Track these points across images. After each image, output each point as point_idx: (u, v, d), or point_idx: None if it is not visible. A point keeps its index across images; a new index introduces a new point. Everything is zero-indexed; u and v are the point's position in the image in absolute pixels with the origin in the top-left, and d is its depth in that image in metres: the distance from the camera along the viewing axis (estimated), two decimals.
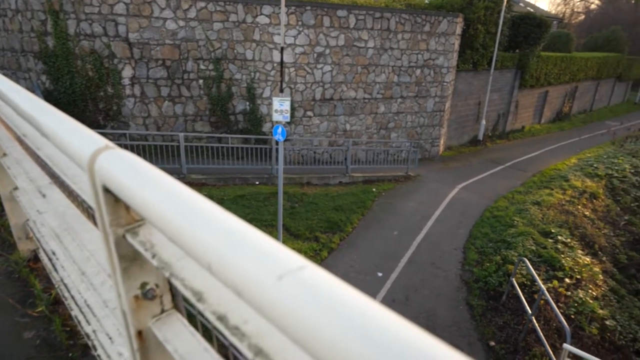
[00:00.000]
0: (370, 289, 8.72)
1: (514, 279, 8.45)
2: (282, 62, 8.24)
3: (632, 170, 18.04)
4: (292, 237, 10.33)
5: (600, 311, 8.66)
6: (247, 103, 14.21)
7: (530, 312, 7.46)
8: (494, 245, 10.56)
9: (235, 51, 13.52)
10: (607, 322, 8.50)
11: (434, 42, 16.47)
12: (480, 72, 19.90)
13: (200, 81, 13.45)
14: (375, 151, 16.08)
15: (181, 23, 12.58)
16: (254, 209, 11.12)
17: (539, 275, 8.93)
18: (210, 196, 11.27)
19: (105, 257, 0.91)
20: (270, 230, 10.30)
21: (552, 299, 8.08)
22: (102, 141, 0.88)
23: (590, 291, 9.29)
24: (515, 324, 8.05)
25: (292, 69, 14.23)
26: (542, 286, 7.39)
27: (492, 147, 21.08)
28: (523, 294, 8.16)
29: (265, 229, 10.29)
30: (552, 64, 24.40)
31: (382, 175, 15.16)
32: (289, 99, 7.68)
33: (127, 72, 12.47)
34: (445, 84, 17.45)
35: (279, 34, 13.51)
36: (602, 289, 9.78)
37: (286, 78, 14.36)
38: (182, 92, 13.34)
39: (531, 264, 8.80)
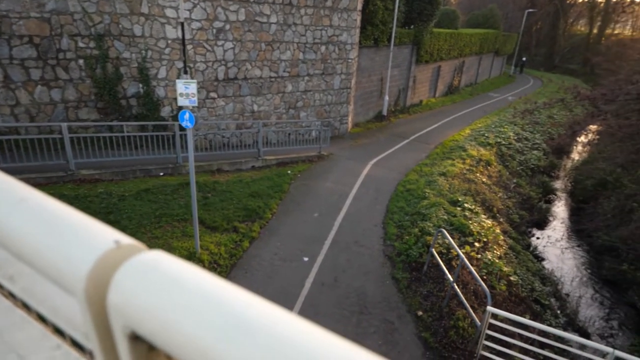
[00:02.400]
0: (297, 275, 8.37)
1: (433, 249, 8.70)
2: (183, 40, 7.26)
3: (515, 138, 20.01)
4: (209, 230, 9.51)
5: (506, 269, 9.35)
6: (140, 85, 12.68)
7: (451, 279, 7.71)
8: (410, 218, 10.84)
9: (120, 26, 11.87)
10: (512, 278, 9.21)
11: (336, 18, 16.24)
12: (381, 48, 20.28)
13: (81, 61, 11.63)
14: (286, 132, 15.59)
15: None
16: (161, 203, 10.02)
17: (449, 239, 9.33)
18: (109, 193, 9.90)
19: None
20: (184, 225, 9.36)
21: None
22: (112, 235, 0.47)
23: (495, 252, 9.98)
24: (438, 291, 8.31)
25: (189, 47, 12.97)
26: (461, 254, 7.66)
27: (395, 121, 21.82)
28: (442, 262, 8.45)
29: (178, 224, 9.34)
30: (443, 40, 25.84)
31: (296, 157, 14.77)
32: (195, 81, 6.80)
33: None
34: (350, 60, 17.43)
35: (171, 7, 12.14)
36: (503, 248, 10.60)
37: (184, 56, 13.05)
38: (58, 74, 11.42)
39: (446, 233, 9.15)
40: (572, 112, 27.49)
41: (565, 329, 9.33)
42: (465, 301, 7.31)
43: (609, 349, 5.61)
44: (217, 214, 10.19)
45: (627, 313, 10.63)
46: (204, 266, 8.23)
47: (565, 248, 13.73)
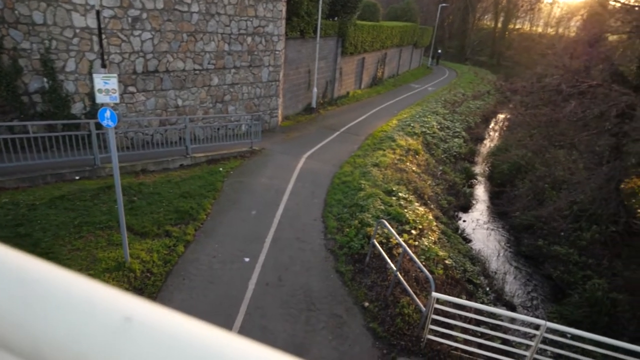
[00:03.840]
0: (240, 277, 8.02)
1: (374, 240, 8.80)
2: (100, 30, 6.45)
3: (439, 127, 21.04)
4: (138, 236, 8.78)
5: (441, 253, 9.75)
6: (45, 79, 11.33)
7: (394, 268, 7.84)
8: (349, 210, 10.89)
9: (16, 12, 10.46)
10: (447, 262, 9.64)
11: (262, 8, 15.79)
12: (308, 40, 20.16)
13: None
14: (214, 127, 14.90)
15: None
16: (81, 210, 9.04)
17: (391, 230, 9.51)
18: (15, 203, 8.73)
19: None
20: (109, 233, 8.54)
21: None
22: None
23: (430, 237, 10.37)
24: (382, 280, 8.43)
25: (102, 37, 11.80)
26: (404, 244, 7.81)
27: (325, 114, 21.89)
28: (384, 252, 8.56)
29: (102, 233, 8.49)
30: (366, 32, 26.35)
31: (227, 153, 14.19)
32: (115, 75, 6.11)
33: None
34: (277, 52, 17.08)
35: None
36: (437, 233, 11.06)
37: (95, 47, 11.89)
38: None
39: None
40: (485, 101, 29.59)
41: (495, 305, 9.97)
42: (409, 288, 7.47)
43: (542, 322, 6.01)
44: (146, 219, 9.44)
45: (544, 284, 11.67)
46: (135, 277, 7.58)
47: (489, 229, 14.74)
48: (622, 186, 11.22)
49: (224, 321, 6.88)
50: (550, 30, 67.28)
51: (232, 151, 14.38)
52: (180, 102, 14.30)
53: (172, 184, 11.34)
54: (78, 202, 9.38)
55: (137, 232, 8.91)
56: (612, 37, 14.57)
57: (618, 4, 11.54)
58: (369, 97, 27.46)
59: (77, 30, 11.29)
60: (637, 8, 10.27)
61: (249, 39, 15.82)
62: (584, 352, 6.68)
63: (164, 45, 13.24)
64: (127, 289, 7.25)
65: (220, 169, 13.02)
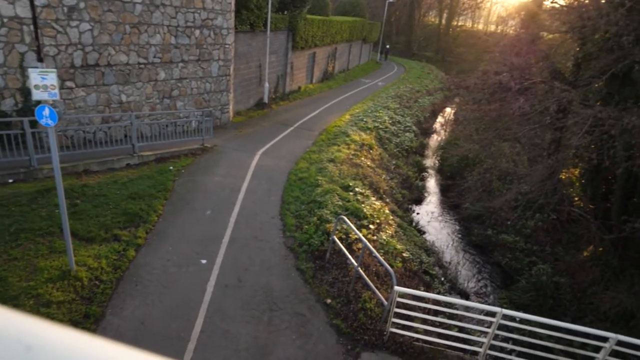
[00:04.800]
0: (197, 280, 7.73)
1: (334, 236, 8.78)
2: (34, 20, 5.88)
3: (390, 122, 21.43)
4: (84, 241, 8.21)
5: (399, 246, 9.94)
6: None
7: (355, 264, 7.88)
8: (307, 207, 10.81)
9: None
10: (405, 255, 9.84)
11: (210, 0, 15.24)
12: (258, 34, 19.76)
13: None
14: (162, 124, 14.23)
15: None
16: (17, 216, 8.31)
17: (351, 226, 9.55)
18: None
19: None
20: (50, 239, 7.93)
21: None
22: None
23: (388, 231, 10.54)
24: (343, 276, 8.44)
25: (37, 27, 10.87)
26: (364, 239, 7.86)
27: (277, 109, 21.62)
28: (344, 248, 8.57)
29: (43, 240, 7.87)
30: (316, 27, 26.27)
31: (177, 151, 13.62)
32: (54, 70, 5.60)
33: None
34: (227, 46, 16.60)
35: None
36: (393, 227, 11.26)
37: (27, 39, 10.95)
38: None
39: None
40: (433, 96, 30.54)
41: (450, 294, 10.32)
42: (371, 283, 7.52)
43: (498, 309, 6.26)
44: (92, 222, 8.85)
45: (494, 271, 12.24)
46: (83, 285, 7.07)
47: (441, 220, 15.24)
48: (561, 176, 11.96)
49: (183, 326, 6.60)
50: (490, 28, 70.70)
51: (182, 149, 13.83)
52: (124, 98, 13.53)
53: (119, 185, 10.72)
54: (13, 207, 8.62)
55: (82, 237, 8.32)
56: (549, 36, 15.48)
57: (557, 5, 12.24)
58: (320, 92, 27.46)
59: (5, 20, 10.33)
60: (572, 9, 10.94)
61: (197, 32, 15.24)
62: (531, 334, 7.05)
63: (105, 37, 12.43)
64: (74, 299, 6.76)
65: (171, 167, 12.48)
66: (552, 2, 12.55)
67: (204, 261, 8.35)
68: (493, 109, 11.72)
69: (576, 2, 11.80)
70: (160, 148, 13.36)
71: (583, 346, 7.43)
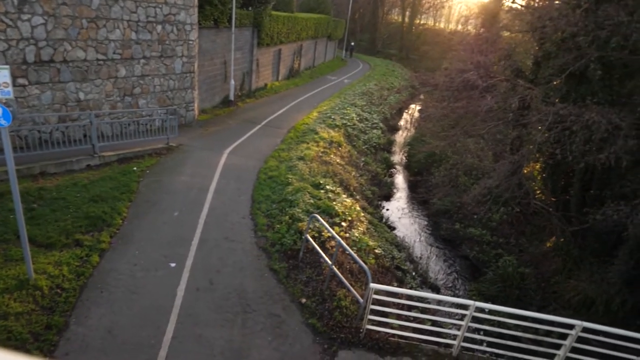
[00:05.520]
0: (167, 284, 7.47)
1: (308, 235, 8.71)
2: None
3: (358, 119, 21.55)
4: (43, 248, 7.77)
5: (371, 243, 9.98)
6: None
7: (330, 262, 7.84)
8: (278, 206, 10.67)
9: None
10: (377, 251, 9.90)
11: None
12: (222, 30, 19.35)
13: None
14: (124, 123, 13.67)
15: None
16: None
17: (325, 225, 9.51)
18: None
19: None
20: (5, 247, 7.47)
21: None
22: None
23: (359, 228, 10.57)
24: (317, 275, 8.39)
25: None
26: (338, 237, 7.83)
27: (243, 106, 21.28)
28: (318, 246, 8.51)
29: None
30: (281, 23, 26.03)
31: (141, 150, 13.14)
32: (7, 67, 5.21)
33: None
34: (190, 42, 16.15)
35: None
36: (365, 224, 11.31)
37: None
38: None
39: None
40: (399, 93, 30.97)
41: (422, 288, 10.48)
42: (345, 281, 7.50)
43: (470, 302, 6.38)
44: (51, 228, 8.38)
45: (463, 264, 12.54)
46: (43, 295, 6.67)
47: (411, 215, 15.46)
48: (524, 171, 12.39)
49: (153, 333, 6.35)
50: (451, 27, 72.54)
51: (146, 148, 13.35)
52: (82, 96, 12.89)
53: (80, 187, 10.21)
54: None
55: (41, 243, 7.87)
56: (510, 35, 15.97)
57: (517, 6, 12.64)
58: (287, 89, 27.26)
59: None
60: (533, 9, 11.34)
61: (159, 28, 14.73)
62: (501, 325, 7.26)
63: (60, 32, 11.79)
64: (34, 310, 6.36)
65: (135, 168, 12.02)
66: (512, 2, 12.96)
67: (173, 264, 8.08)
68: (460, 106, 11.99)
69: (535, 3, 12.24)
70: (122, 148, 12.84)
71: (548, 334, 7.73)
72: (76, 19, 12.07)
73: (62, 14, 11.68)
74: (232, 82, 20.50)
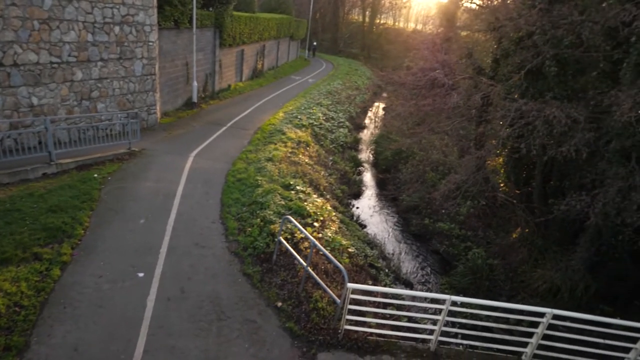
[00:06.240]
0: (135, 295, 7.17)
1: (281, 237, 8.59)
2: None
3: (324, 118, 21.56)
4: None
5: (344, 242, 9.97)
6: None
7: (304, 263, 7.76)
8: (248, 208, 10.48)
9: None
10: (350, 250, 9.90)
11: None
12: (183, 31, 18.87)
13: None
14: (82, 128, 13.06)
15: None
16: None
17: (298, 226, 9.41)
18: None
19: None
20: None
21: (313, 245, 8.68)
22: None
23: (332, 228, 10.54)
24: (292, 277, 8.29)
25: None
26: (312, 237, 7.76)
27: (207, 108, 20.83)
28: (291, 248, 8.41)
29: None
30: (243, 24, 25.68)
31: (101, 156, 12.59)
32: None
33: None
34: (150, 43, 15.63)
35: None
36: (337, 223, 11.29)
37: None
38: None
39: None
40: (364, 92, 31.24)
41: (395, 284, 10.58)
42: (321, 282, 7.44)
43: (447, 297, 6.46)
44: (6, 242, 7.87)
45: (434, 259, 12.76)
46: None
47: (381, 213, 15.59)
48: (488, 165, 12.77)
49: (123, 347, 6.06)
50: (411, 26, 74.02)
51: (107, 154, 12.81)
52: (35, 101, 12.21)
53: (36, 197, 9.65)
54: None
55: None
56: (469, 34, 16.43)
57: (474, 6, 13.00)
58: (251, 90, 26.93)
59: None
60: (492, 9, 11.69)
61: (117, 29, 14.16)
62: (475, 317, 7.43)
63: (9, 33, 11.10)
64: None
65: (95, 175, 11.49)
66: (471, 2, 13.33)
67: (141, 274, 7.77)
68: (427, 104, 12.22)
69: (492, 3, 12.62)
70: (81, 154, 12.26)
71: (519, 322, 7.98)
72: (27, 20, 11.42)
73: (11, 15, 11.02)
74: (195, 83, 20.03)
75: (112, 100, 14.76)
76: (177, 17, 17.75)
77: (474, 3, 13.44)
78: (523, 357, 6.95)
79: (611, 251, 9.48)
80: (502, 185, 13.43)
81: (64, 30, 12.46)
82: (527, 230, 11.70)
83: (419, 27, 63.22)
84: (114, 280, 7.50)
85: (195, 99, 20.35)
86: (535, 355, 6.89)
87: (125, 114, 14.24)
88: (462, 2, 16.72)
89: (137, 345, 6.18)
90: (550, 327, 6.55)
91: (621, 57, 8.62)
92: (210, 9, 21.93)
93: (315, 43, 53.67)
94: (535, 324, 6.85)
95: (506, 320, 7.51)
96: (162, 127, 16.80)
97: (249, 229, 9.51)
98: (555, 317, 6.35)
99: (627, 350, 6.75)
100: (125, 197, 10.48)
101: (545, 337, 6.66)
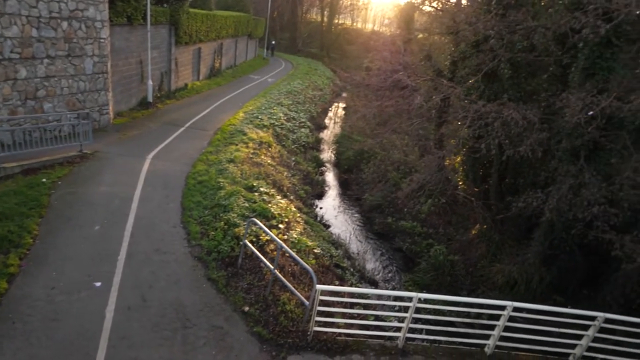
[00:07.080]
0: (93, 306, 6.81)
1: (246, 240, 8.43)
2: None
3: (285, 118, 21.43)
4: None
5: (310, 243, 9.94)
6: None
7: (271, 266, 7.66)
8: (211, 212, 10.21)
9: None
10: (316, 251, 9.89)
11: None
12: (137, 28, 18.12)
13: None
14: (27, 129, 12.23)
15: None
16: None
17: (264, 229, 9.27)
18: None
19: None
20: None
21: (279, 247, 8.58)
22: None
23: (297, 229, 10.48)
24: (258, 281, 8.16)
25: None
26: (279, 240, 7.68)
27: (163, 108, 20.15)
28: (257, 251, 8.27)
29: None
30: (200, 21, 25.07)
31: (50, 160, 11.85)
32: None
33: None
34: (102, 40, 14.90)
35: None
36: (301, 224, 11.24)
37: None
38: None
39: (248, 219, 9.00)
40: (322, 91, 31.34)
41: (361, 283, 10.66)
42: (289, 284, 7.37)
43: (414, 294, 6.58)
44: None
45: (398, 257, 12.99)
46: None
47: (344, 212, 15.67)
48: (447, 163, 13.15)
49: None
50: (368, 27, 75.13)
51: (56, 157, 12.08)
52: None
53: None
54: None
55: None
56: (426, 37, 16.85)
57: (431, 9, 13.34)
58: (209, 89, 26.32)
59: None
60: (450, 13, 12.04)
61: (65, 24, 13.37)
62: (440, 312, 7.62)
63: None
64: None
65: (44, 179, 10.80)
66: (430, 5, 13.67)
67: (98, 284, 7.37)
68: (390, 105, 12.40)
69: (449, 6, 13.00)
70: (27, 158, 11.49)
71: (478, 316, 8.27)
72: None
73: None
74: (150, 82, 19.31)
75: (61, 99, 13.94)
76: (130, 13, 17.03)
77: (431, 7, 13.78)
78: (486, 348, 7.20)
79: (563, 245, 10.02)
80: (460, 183, 13.89)
81: (5, 24, 11.61)
82: (485, 226, 12.15)
83: (377, 28, 64.23)
84: (68, 291, 7.07)
85: (150, 99, 19.63)
86: (497, 347, 7.15)
87: (76, 114, 13.50)
88: (420, 5, 17.15)
89: (96, 358, 5.85)
90: (512, 319, 6.82)
91: (570, 62, 9.12)
92: (165, 5, 21.25)
93: (273, 42, 53.26)
94: (495, 317, 7.10)
95: (467, 314, 7.76)
96: (115, 128, 16.07)
97: (213, 233, 9.26)
98: (515, 309, 6.62)
99: (579, 337, 7.14)
100: (78, 203, 9.92)
101: (508, 329, 6.92)
